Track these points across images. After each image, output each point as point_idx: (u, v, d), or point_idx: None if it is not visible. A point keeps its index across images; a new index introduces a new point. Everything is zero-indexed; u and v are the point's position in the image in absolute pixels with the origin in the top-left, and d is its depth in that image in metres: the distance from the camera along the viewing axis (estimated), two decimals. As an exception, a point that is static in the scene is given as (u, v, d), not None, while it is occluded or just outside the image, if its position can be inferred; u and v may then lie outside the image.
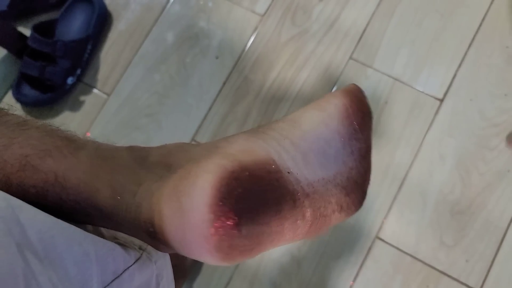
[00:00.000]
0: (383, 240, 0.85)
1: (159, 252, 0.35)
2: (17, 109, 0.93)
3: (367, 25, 0.95)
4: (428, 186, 0.86)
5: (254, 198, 0.25)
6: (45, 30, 0.95)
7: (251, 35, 0.96)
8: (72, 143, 0.30)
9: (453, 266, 0.84)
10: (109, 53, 0.98)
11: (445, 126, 0.89)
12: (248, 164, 0.26)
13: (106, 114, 0.94)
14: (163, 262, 0.35)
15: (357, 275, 0.85)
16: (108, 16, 1.00)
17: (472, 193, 0.86)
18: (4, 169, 0.28)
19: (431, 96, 0.91)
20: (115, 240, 0.32)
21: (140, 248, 0.33)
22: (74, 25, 0.97)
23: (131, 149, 0.31)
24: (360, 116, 0.31)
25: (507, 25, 0.93)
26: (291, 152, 0.28)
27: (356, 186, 0.30)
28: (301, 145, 0.29)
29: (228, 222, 0.24)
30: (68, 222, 0.28)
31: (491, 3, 0.94)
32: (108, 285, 0.27)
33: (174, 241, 0.24)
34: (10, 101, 0.95)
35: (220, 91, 0.94)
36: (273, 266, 0.86)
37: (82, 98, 0.96)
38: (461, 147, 0.88)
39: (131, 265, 0.30)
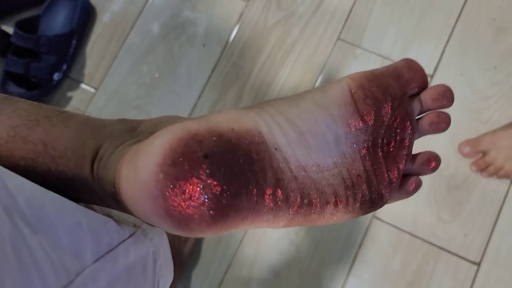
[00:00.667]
0: (380, 220, 0.85)
1: (155, 230, 0.34)
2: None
3: (353, 4, 0.94)
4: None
5: (220, 165, 0.23)
6: (28, 26, 0.93)
7: (237, 21, 0.96)
8: (62, 113, 0.29)
9: (452, 241, 0.83)
10: (95, 47, 0.97)
11: (436, 102, 0.89)
12: (223, 130, 0.24)
13: (94, 108, 0.93)
14: (160, 240, 0.34)
15: (356, 256, 0.84)
16: (92, 10, 0.98)
17: (467, 167, 0.86)
18: None
19: (421, 73, 0.90)
20: (109, 217, 0.31)
21: (134, 225, 0.32)
22: (58, 20, 0.96)
23: (123, 120, 0.30)
24: (368, 104, 0.28)
25: (477, 1, 0.93)
26: (284, 129, 0.26)
27: (360, 181, 0.28)
28: (297, 123, 0.27)
29: (180, 185, 0.22)
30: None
31: (476, -23, 0.94)
32: (102, 256, 0.26)
33: (128, 201, 0.23)
34: (-4, 100, 0.93)
35: (209, 78, 0.93)
36: (271, 253, 0.85)
37: (69, 93, 0.94)
38: (454, 121, 0.87)
39: (125, 239, 0.29)
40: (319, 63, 0.92)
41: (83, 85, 0.95)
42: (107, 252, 0.26)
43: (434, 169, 0.31)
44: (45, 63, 0.91)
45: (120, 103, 0.93)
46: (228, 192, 0.23)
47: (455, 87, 0.89)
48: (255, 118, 0.26)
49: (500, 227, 0.83)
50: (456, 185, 0.86)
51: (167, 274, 0.34)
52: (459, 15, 0.93)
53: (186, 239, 0.82)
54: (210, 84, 0.93)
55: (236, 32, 0.95)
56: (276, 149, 0.26)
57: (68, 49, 0.94)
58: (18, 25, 0.91)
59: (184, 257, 0.82)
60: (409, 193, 0.31)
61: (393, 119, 0.29)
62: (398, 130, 0.29)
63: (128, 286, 0.27)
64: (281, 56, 0.93)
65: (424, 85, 0.31)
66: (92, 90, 0.94)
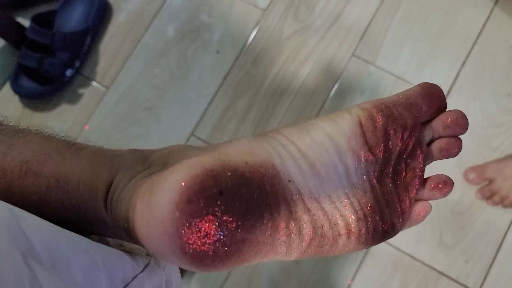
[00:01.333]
0: (382, 239, 0.84)
1: None
2: (15, 101, 0.92)
3: (371, 21, 0.94)
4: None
5: (234, 201, 0.23)
6: (44, 21, 0.93)
7: (252, 30, 0.95)
8: (73, 145, 0.29)
9: (452, 267, 0.83)
10: (109, 45, 0.97)
11: (447, 125, 0.88)
12: (237, 164, 0.24)
13: (104, 107, 0.93)
14: (171, 267, 0.34)
15: (356, 273, 0.84)
16: (108, 8, 0.98)
17: (473, 193, 0.86)
18: (4, 177, 0.27)
19: (434, 95, 0.90)
20: (121, 248, 0.31)
21: (147, 254, 0.32)
22: (74, 17, 0.96)
23: (134, 150, 0.29)
24: (377, 136, 0.28)
25: (496, 27, 0.92)
26: (297, 160, 0.26)
27: (372, 213, 0.28)
28: (309, 154, 0.27)
29: (197, 224, 0.22)
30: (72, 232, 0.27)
31: (496, 1, 0.93)
32: None
33: (143, 238, 0.23)
34: (8, 93, 0.94)
35: (220, 85, 0.93)
36: (272, 263, 0.85)
37: (80, 90, 0.95)
38: (463, 146, 0.87)
39: (140, 272, 0.29)
40: (332, 78, 0.92)
41: (94, 83, 0.95)
42: None
43: (446, 194, 0.31)
44: (59, 59, 0.91)
45: (130, 103, 0.93)
46: (243, 228, 0.23)
47: (467, 111, 0.89)
48: (268, 149, 0.26)
49: (501, 256, 0.83)
50: (460, 210, 0.86)
51: None
52: (477, 38, 0.92)
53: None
54: (221, 91, 0.93)
55: (251, 41, 0.95)
56: (289, 181, 0.26)
57: (82, 46, 0.94)
58: (34, 20, 0.91)
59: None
60: (418, 221, 0.30)
61: (403, 148, 0.29)
62: (409, 160, 0.29)
63: None
64: (294, 68, 0.93)
65: (441, 111, 0.30)
66: (104, 89, 0.94)
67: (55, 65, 0.90)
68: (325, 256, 0.27)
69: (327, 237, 0.26)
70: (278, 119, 0.91)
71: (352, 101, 0.90)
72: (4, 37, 0.92)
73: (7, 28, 0.91)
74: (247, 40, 0.95)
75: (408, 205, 0.29)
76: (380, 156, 0.28)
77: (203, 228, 0.22)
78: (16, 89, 0.92)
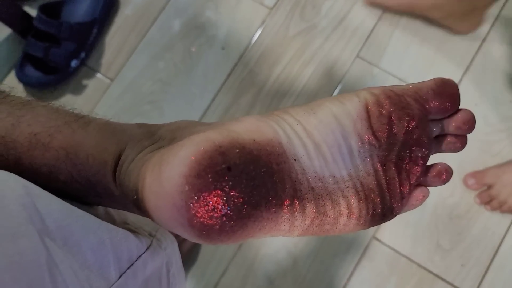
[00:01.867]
0: (379, 240, 0.85)
1: (168, 239, 0.35)
2: (19, 90, 0.92)
3: (376, 24, 0.94)
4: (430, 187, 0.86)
5: (241, 177, 0.24)
6: (51, 11, 0.94)
7: (258, 28, 0.96)
8: (81, 118, 0.29)
9: (448, 270, 0.84)
10: (115, 38, 0.97)
11: (448, 130, 0.89)
12: (244, 141, 0.24)
13: (108, 99, 0.94)
14: (172, 249, 0.35)
15: (352, 274, 0.84)
16: (115, 1, 0.99)
17: (471, 197, 0.86)
18: (14, 149, 0.27)
19: (436, 99, 0.90)
20: (125, 225, 0.32)
21: (149, 234, 0.33)
22: (81, 8, 0.96)
23: (142, 124, 0.30)
24: (382, 121, 0.28)
25: (499, 35, 0.92)
26: (303, 139, 0.27)
27: (373, 195, 0.28)
28: (315, 134, 0.27)
29: (205, 198, 0.23)
30: (80, 204, 0.27)
31: (501, 8, 0.94)
32: (124, 272, 0.27)
33: (152, 210, 0.23)
34: (12, 81, 0.94)
35: (224, 82, 0.94)
36: (268, 260, 0.86)
37: (85, 81, 0.95)
38: (463, 151, 0.87)
39: (143, 252, 0.29)
40: (335, 78, 0.92)
41: (99, 75, 0.95)
42: (128, 268, 0.27)
43: (445, 181, 0.31)
44: (64, 49, 0.91)
45: (134, 96, 0.94)
46: (249, 203, 0.24)
47: (469, 117, 0.89)
48: (275, 128, 0.26)
49: (497, 261, 0.84)
50: (458, 215, 0.86)
51: (180, 281, 0.35)
52: (481, 45, 0.92)
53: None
54: (225, 87, 0.93)
55: (256, 39, 0.95)
56: (295, 159, 0.26)
57: (88, 38, 0.94)
58: (42, 9, 0.91)
59: (182, 255, 0.83)
60: (416, 205, 0.31)
61: (409, 137, 0.29)
62: (413, 148, 0.29)
63: None
64: (298, 67, 0.93)
65: (454, 109, 0.31)
66: (108, 80, 0.95)
67: (61, 55, 0.91)
68: (325, 235, 0.28)
69: (329, 216, 0.27)
70: (281, 117, 0.91)
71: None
72: (10, 26, 0.93)
73: (14, 16, 0.92)
74: (252, 38, 0.95)
75: (408, 190, 0.29)
76: (384, 141, 0.29)
77: (211, 202, 0.23)
78: (21, 77, 0.92)
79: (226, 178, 0.23)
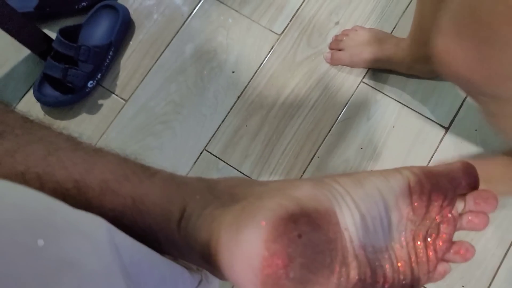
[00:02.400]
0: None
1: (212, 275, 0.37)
2: (37, 109, 0.96)
3: (380, 51, 0.99)
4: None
5: (308, 244, 0.26)
6: (70, 34, 0.98)
7: (267, 53, 1.00)
8: (147, 170, 0.32)
9: (449, 290, 0.86)
10: (129, 60, 1.01)
11: (448, 154, 0.92)
12: (309, 210, 0.27)
13: (122, 118, 0.97)
14: (216, 283, 0.37)
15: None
16: (131, 25, 1.03)
17: (471, 220, 0.89)
18: (86, 193, 0.29)
19: (437, 124, 0.94)
20: (177, 260, 0.34)
21: (197, 269, 0.35)
22: (98, 31, 1.01)
23: (200, 179, 0.32)
24: (422, 199, 0.31)
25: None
26: (351, 210, 0.29)
27: (404, 267, 0.30)
28: (361, 206, 0.29)
29: (279, 262, 0.25)
30: None
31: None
32: None
33: (225, 268, 0.25)
34: (30, 100, 0.98)
35: (234, 104, 0.97)
36: None
37: (100, 101, 0.99)
38: (463, 175, 0.91)
39: (196, 287, 0.31)
40: (340, 103, 0.96)
41: (114, 95, 0.99)
42: None
43: (467, 259, 0.34)
44: (82, 70, 0.95)
45: (147, 116, 0.97)
46: (311, 269, 0.26)
47: (468, 141, 0.93)
48: (329, 197, 0.29)
49: (497, 283, 0.86)
50: (459, 236, 0.89)
51: None
52: (480, 73, 0.96)
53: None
54: (235, 109, 0.97)
55: (265, 63, 0.99)
56: (345, 229, 0.29)
57: (104, 60, 0.98)
58: (61, 32, 0.96)
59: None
60: (438, 279, 0.34)
61: (440, 215, 0.32)
62: (442, 225, 0.32)
63: None
64: (305, 91, 0.97)
65: (474, 189, 0.34)
66: (122, 101, 0.99)
67: (79, 77, 0.95)
68: None
69: (367, 284, 0.29)
70: (288, 139, 0.95)
71: (359, 126, 0.95)
72: (29, 47, 0.97)
73: (32, 38, 0.96)
74: (261, 63, 1.00)
75: (434, 265, 0.32)
76: (421, 218, 0.31)
77: (283, 266, 0.25)
78: (39, 97, 0.96)
79: (297, 244, 0.26)
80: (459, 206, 0.34)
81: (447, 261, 0.33)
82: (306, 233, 0.26)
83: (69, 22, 1.03)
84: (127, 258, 0.26)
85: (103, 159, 0.31)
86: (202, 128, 0.96)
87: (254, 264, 0.25)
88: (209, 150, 0.95)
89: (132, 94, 0.99)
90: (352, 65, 0.97)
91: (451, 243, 0.33)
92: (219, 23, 1.02)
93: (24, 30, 0.92)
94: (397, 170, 0.32)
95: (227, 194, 0.30)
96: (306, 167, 0.94)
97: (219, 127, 0.96)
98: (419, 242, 0.32)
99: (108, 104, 0.99)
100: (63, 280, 0.20)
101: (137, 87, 0.99)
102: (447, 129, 0.94)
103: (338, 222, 0.28)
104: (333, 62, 0.98)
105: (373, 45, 0.93)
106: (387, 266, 0.30)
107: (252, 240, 0.25)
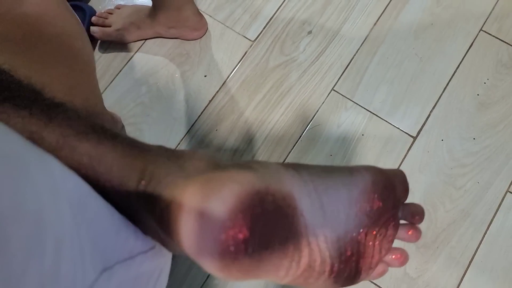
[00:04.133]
0: (350, 267, 0.87)
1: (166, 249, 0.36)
2: None
3: (351, 60, 1.00)
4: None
5: (269, 223, 0.27)
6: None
7: (240, 59, 1.00)
8: (108, 130, 0.30)
9: (415, 298, 0.86)
10: (99, 61, 1.00)
11: (416, 162, 0.94)
12: (274, 190, 0.27)
13: (89, 119, 0.95)
14: (168, 258, 0.36)
15: None
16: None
17: (437, 228, 0.90)
18: (41, 146, 0.28)
19: (405, 133, 0.96)
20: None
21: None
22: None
23: (166, 148, 0.32)
24: (381, 197, 0.32)
25: (479, 75, 0.99)
26: (311, 198, 0.30)
27: (350, 260, 0.31)
28: (322, 195, 0.30)
29: (240, 235, 0.25)
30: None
31: (466, 53, 1.01)
32: (122, 261, 0.28)
33: (184, 236, 0.25)
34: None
35: (205, 108, 0.97)
36: (239, 286, 0.86)
37: (67, 101, 0.97)
38: (430, 183, 0.92)
39: (145, 251, 0.30)
40: (311, 109, 0.97)
41: (82, 96, 0.97)
42: (127, 259, 0.28)
43: (402, 264, 0.35)
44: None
45: (115, 118, 0.95)
46: (268, 247, 0.27)
47: (435, 151, 0.95)
48: (293, 182, 0.29)
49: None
50: (425, 244, 0.89)
51: None
52: (447, 85, 0.99)
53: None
54: (205, 114, 0.96)
55: (238, 69, 0.99)
56: (301, 215, 0.29)
57: (73, 59, 0.96)
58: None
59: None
60: (374, 278, 0.35)
61: (388, 215, 0.33)
62: (389, 225, 0.33)
63: None
64: (276, 98, 0.97)
65: (406, 196, 0.37)
66: (90, 101, 0.96)
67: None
68: (305, 287, 0.30)
69: (315, 271, 0.30)
70: (257, 145, 0.94)
71: (329, 133, 0.95)
72: None
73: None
74: (234, 68, 1.00)
75: (376, 263, 0.33)
76: (375, 215, 0.32)
77: (243, 242, 0.25)
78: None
79: (259, 221, 0.26)
80: (400, 214, 0.35)
81: (384, 262, 0.34)
82: (268, 212, 0.27)
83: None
84: (76, 195, 0.24)
85: (63, 113, 0.29)
86: (171, 131, 0.95)
87: (216, 233, 0.25)
88: (178, 153, 0.93)
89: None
90: (120, 39, 1.01)
91: (392, 243, 0.34)
92: (193, 28, 1.02)
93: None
94: (363, 167, 0.33)
95: (192, 166, 0.29)
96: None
97: (188, 131, 0.95)
98: (370, 239, 0.32)
99: (76, 104, 0.96)
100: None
101: (106, 87, 0.98)
102: (414, 138, 0.95)
103: (296, 207, 0.28)
104: (102, 37, 1.00)
105: (135, 21, 0.98)
106: (336, 257, 0.30)
107: (216, 209, 0.25)
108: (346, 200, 0.31)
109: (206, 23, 1.00)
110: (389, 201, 0.33)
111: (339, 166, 0.33)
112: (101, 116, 0.82)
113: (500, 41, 1.01)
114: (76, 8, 1.00)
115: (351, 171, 0.32)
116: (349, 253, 0.31)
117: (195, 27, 0.98)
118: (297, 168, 0.31)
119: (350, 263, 0.31)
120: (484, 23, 1.03)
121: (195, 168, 0.29)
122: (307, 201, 0.29)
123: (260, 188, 0.26)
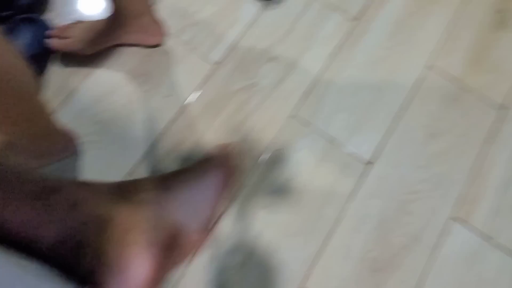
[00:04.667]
0: (306, 291, 0.88)
1: None
2: None
3: (311, 88, 1.03)
4: (353, 241, 0.92)
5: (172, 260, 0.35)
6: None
7: (203, 81, 1.01)
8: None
9: (367, 322, 0.88)
10: (57, 75, 0.97)
11: (371, 188, 0.97)
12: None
13: (43, 136, 0.91)
14: None
15: (278, 324, 0.86)
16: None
17: (389, 253, 0.93)
18: None
19: (361, 160, 0.99)
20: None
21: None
22: (19, 45, 0.95)
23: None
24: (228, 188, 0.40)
25: (416, 108, 1.06)
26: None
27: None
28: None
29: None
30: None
31: (416, 86, 1.07)
32: None
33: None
34: None
35: (164, 129, 0.96)
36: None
37: (19, 117, 0.92)
38: (383, 208, 0.96)
39: None
40: (271, 134, 0.98)
41: (35, 111, 0.93)
42: None
43: None
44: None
45: (70, 136, 0.92)
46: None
47: (388, 178, 0.98)
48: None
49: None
50: (378, 268, 0.92)
51: None
52: (400, 115, 1.04)
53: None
54: (164, 135, 0.95)
55: (198, 91, 1.00)
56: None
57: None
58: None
59: None
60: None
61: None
62: None
63: None
64: (238, 121, 0.98)
65: None
66: (44, 118, 0.93)
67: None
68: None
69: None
70: (218, 167, 0.94)
71: (287, 158, 0.97)
72: None
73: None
74: (195, 90, 1.00)
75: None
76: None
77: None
78: None
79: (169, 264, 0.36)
80: None
81: None
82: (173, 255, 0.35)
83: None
84: None
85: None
86: (128, 152, 0.93)
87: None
88: (134, 176, 0.92)
89: (57, 113, 0.94)
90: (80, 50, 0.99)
91: None
92: (156, 48, 1.02)
93: None
94: (211, 169, 0.41)
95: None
96: (234, 198, 0.93)
97: (146, 152, 0.94)
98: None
99: (28, 120, 0.92)
100: None
101: (63, 105, 0.95)
102: (369, 165, 0.99)
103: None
104: (61, 48, 0.98)
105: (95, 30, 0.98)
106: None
107: (137, 265, 0.31)
108: (197, 194, 0.39)
109: (164, 30, 1.00)
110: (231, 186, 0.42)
111: (190, 172, 0.40)
112: (50, 138, 0.80)
113: (447, 76, 1.08)
114: (28, 20, 0.97)
115: (200, 176, 0.39)
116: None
117: (153, 33, 0.99)
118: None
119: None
120: (430, 58, 1.10)
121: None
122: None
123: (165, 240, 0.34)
